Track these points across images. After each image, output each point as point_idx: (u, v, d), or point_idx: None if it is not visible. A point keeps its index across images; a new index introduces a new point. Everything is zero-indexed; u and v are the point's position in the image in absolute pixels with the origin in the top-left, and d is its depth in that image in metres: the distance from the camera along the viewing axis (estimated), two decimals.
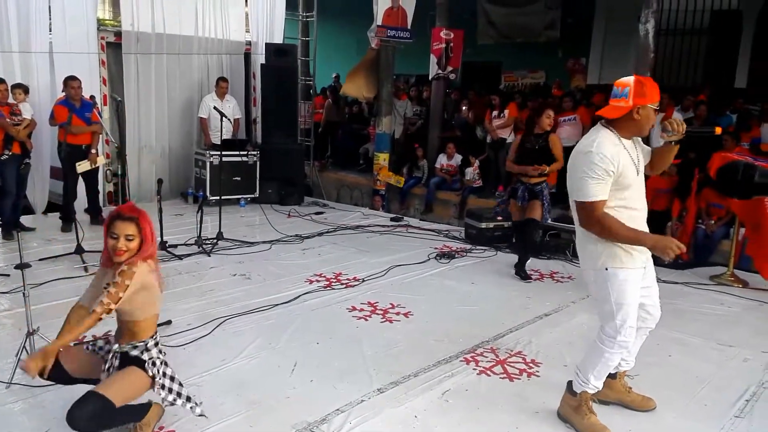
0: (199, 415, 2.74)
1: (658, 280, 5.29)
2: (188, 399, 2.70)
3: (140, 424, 2.71)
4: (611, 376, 3.11)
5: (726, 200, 5.93)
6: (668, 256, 2.59)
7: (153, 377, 2.63)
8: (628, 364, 3.13)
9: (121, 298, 2.46)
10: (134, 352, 2.64)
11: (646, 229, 2.81)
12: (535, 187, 5.38)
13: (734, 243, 5.68)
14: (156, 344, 2.69)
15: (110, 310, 2.46)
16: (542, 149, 5.30)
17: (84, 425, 2.39)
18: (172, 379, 2.69)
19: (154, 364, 2.65)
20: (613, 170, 2.67)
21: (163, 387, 2.64)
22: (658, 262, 2.97)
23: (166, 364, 2.72)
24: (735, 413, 3.17)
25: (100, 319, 2.45)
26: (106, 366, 2.65)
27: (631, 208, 2.77)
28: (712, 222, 6.66)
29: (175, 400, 2.66)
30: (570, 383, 3.03)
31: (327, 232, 6.96)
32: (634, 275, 2.77)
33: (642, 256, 2.77)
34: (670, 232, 6.74)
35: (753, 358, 3.88)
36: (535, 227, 5.59)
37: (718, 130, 2.89)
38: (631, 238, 2.69)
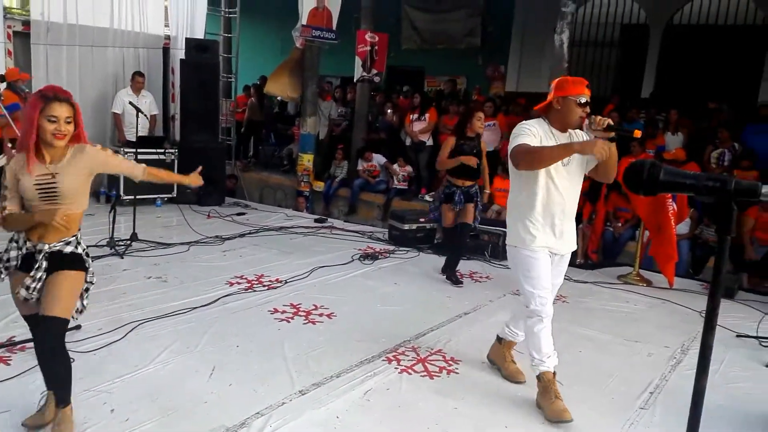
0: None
1: (569, 279, 5.57)
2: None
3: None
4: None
5: (631, 204, 6.29)
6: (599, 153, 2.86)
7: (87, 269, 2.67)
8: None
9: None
10: (68, 249, 2.60)
11: (564, 219, 3.12)
12: (470, 189, 5.32)
13: (639, 244, 6.03)
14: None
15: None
16: (477, 153, 5.29)
17: (58, 348, 2.53)
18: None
19: (88, 255, 2.70)
20: (535, 135, 3.00)
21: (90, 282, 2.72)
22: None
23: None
24: (640, 405, 3.35)
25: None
26: (35, 272, 2.55)
27: (545, 190, 3.07)
28: (619, 224, 7.05)
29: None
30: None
31: (249, 234, 6.83)
32: None
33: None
34: (582, 234, 7.08)
35: (656, 352, 4.12)
36: (468, 231, 5.54)
37: (638, 133, 3.08)
38: (556, 150, 2.97)
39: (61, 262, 2.58)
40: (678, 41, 10.80)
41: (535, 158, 2.96)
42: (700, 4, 10.56)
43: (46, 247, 2.56)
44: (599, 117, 2.98)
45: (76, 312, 2.66)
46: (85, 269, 2.66)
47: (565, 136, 3.10)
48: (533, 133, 3.02)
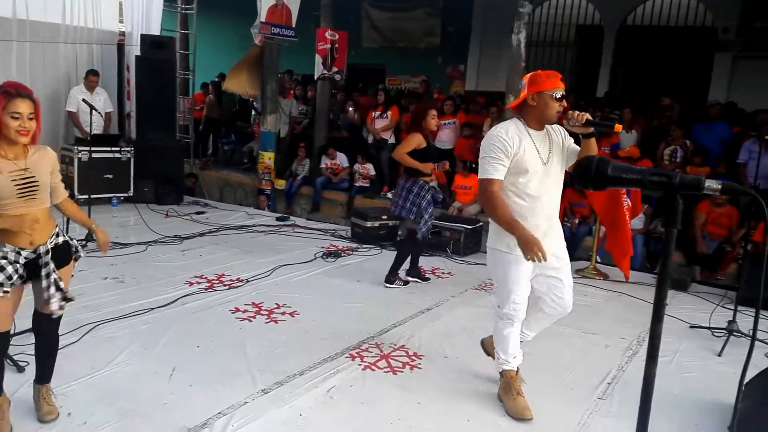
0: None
1: None
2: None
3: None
4: None
5: (587, 200, 6.42)
6: (529, 256, 2.80)
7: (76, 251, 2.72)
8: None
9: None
10: (60, 239, 2.63)
11: (545, 219, 3.01)
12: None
13: (596, 239, 6.17)
14: None
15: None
16: (434, 149, 5.22)
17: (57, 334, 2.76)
18: None
19: (71, 239, 2.72)
20: (510, 150, 2.87)
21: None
22: None
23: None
24: (598, 395, 3.43)
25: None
26: (45, 276, 2.55)
27: (527, 195, 2.95)
28: (576, 220, 7.20)
29: None
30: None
31: (209, 233, 6.73)
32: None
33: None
34: None
35: (613, 344, 4.22)
36: None
37: (618, 127, 3.04)
38: (507, 222, 2.87)
39: (58, 258, 2.61)
40: (631, 42, 11.09)
41: (491, 212, 2.94)
42: (653, 5, 10.85)
43: (48, 246, 2.57)
44: (577, 112, 2.89)
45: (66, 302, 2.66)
46: (72, 254, 2.72)
47: (542, 134, 2.99)
48: (505, 150, 2.87)
